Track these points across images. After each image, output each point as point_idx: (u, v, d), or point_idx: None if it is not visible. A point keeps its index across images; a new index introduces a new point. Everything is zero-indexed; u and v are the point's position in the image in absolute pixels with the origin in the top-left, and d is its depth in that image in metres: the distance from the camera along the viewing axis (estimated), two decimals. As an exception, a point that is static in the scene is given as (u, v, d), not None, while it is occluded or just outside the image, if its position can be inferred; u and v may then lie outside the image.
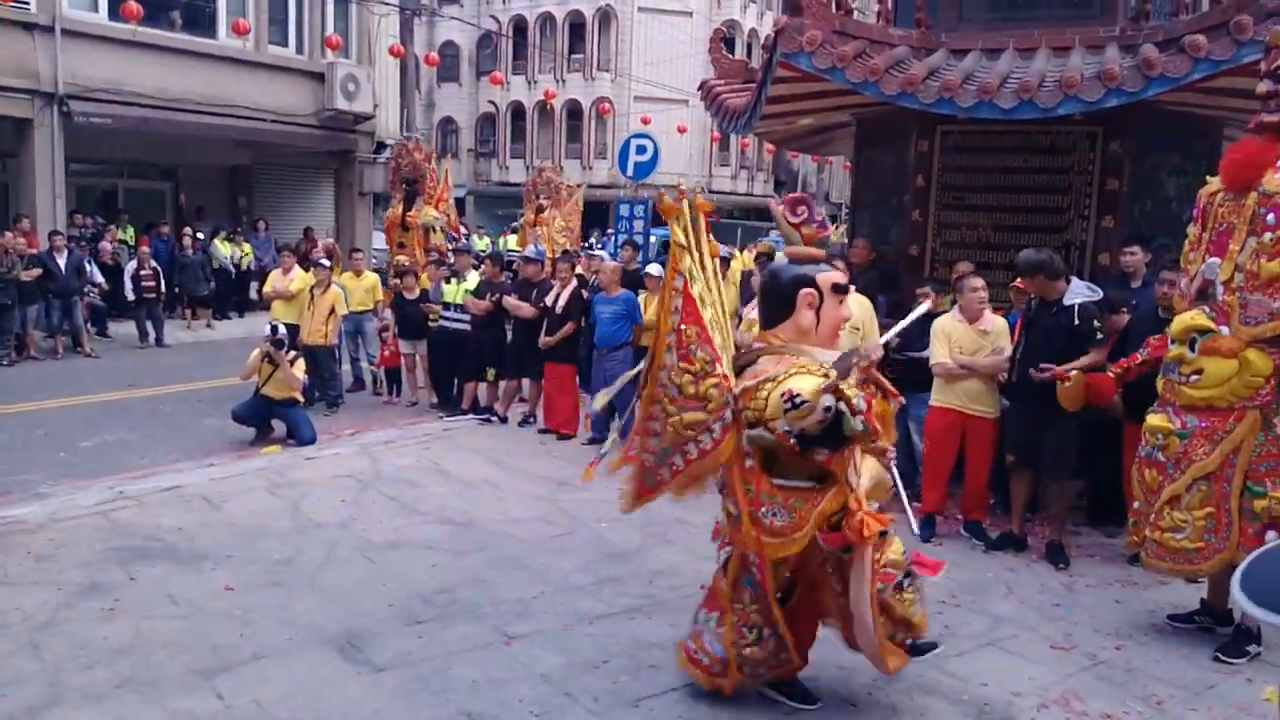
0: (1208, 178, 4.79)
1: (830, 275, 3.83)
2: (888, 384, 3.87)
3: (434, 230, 12.41)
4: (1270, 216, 4.23)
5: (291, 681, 4.15)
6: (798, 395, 3.32)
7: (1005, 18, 7.21)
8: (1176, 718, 4.08)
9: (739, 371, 3.80)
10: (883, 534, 3.61)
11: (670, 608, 5.03)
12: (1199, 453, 4.52)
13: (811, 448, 3.47)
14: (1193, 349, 4.53)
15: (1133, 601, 5.37)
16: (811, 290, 3.76)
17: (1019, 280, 6.31)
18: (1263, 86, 4.49)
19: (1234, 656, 4.58)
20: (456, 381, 10.16)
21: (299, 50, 18.64)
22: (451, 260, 10.82)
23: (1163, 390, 4.76)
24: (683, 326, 3.73)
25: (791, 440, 3.46)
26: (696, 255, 3.86)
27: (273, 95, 17.86)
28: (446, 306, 10.01)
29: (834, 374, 3.40)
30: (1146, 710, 4.12)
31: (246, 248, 17.44)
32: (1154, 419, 4.71)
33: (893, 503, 4.18)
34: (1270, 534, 4.38)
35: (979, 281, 6.25)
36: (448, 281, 10.14)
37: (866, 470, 3.68)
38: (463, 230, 20.39)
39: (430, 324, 10.18)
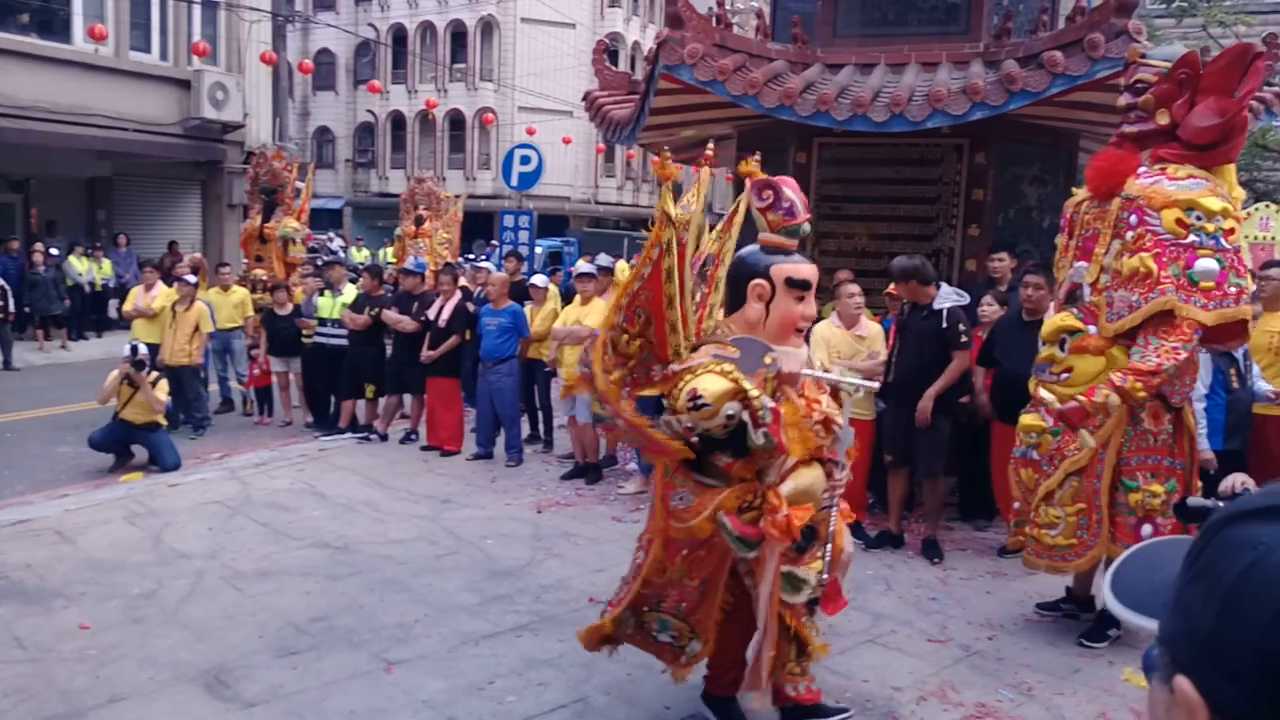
0: (1073, 190, 5.00)
1: (786, 268, 3.51)
2: (797, 397, 3.51)
3: (293, 243, 11.99)
4: (1133, 218, 4.45)
5: (152, 724, 3.91)
6: (700, 396, 3.13)
7: (876, 33, 7.42)
8: (1046, 702, 4.22)
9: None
10: (801, 549, 3.42)
11: (559, 622, 4.95)
12: (1071, 448, 4.69)
13: (714, 450, 3.31)
14: (1063, 349, 4.71)
15: (1002, 592, 5.57)
16: (762, 281, 3.49)
17: (892, 286, 6.47)
18: (1123, 100, 4.71)
19: (1096, 641, 4.81)
20: (334, 399, 9.85)
21: (163, 57, 17.86)
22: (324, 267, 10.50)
23: (1034, 390, 4.91)
24: (640, 291, 3.58)
25: (694, 438, 3.31)
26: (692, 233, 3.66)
27: (135, 103, 17.05)
28: (321, 322, 9.71)
29: (742, 379, 3.19)
30: (1018, 697, 4.26)
31: (105, 263, 16.67)
32: (1027, 418, 4.88)
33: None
34: (1146, 528, 4.57)
35: (855, 288, 6.41)
36: (322, 295, 9.84)
37: (798, 477, 3.40)
38: (328, 242, 19.82)
39: (305, 340, 9.85)
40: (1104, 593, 0.86)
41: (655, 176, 3.71)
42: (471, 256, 17.74)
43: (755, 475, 3.41)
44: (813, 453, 3.43)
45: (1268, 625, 0.65)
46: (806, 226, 3.64)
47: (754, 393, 3.16)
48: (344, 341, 9.46)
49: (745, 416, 3.15)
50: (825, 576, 3.49)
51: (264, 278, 11.50)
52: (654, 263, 3.56)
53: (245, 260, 12.57)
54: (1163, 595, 0.78)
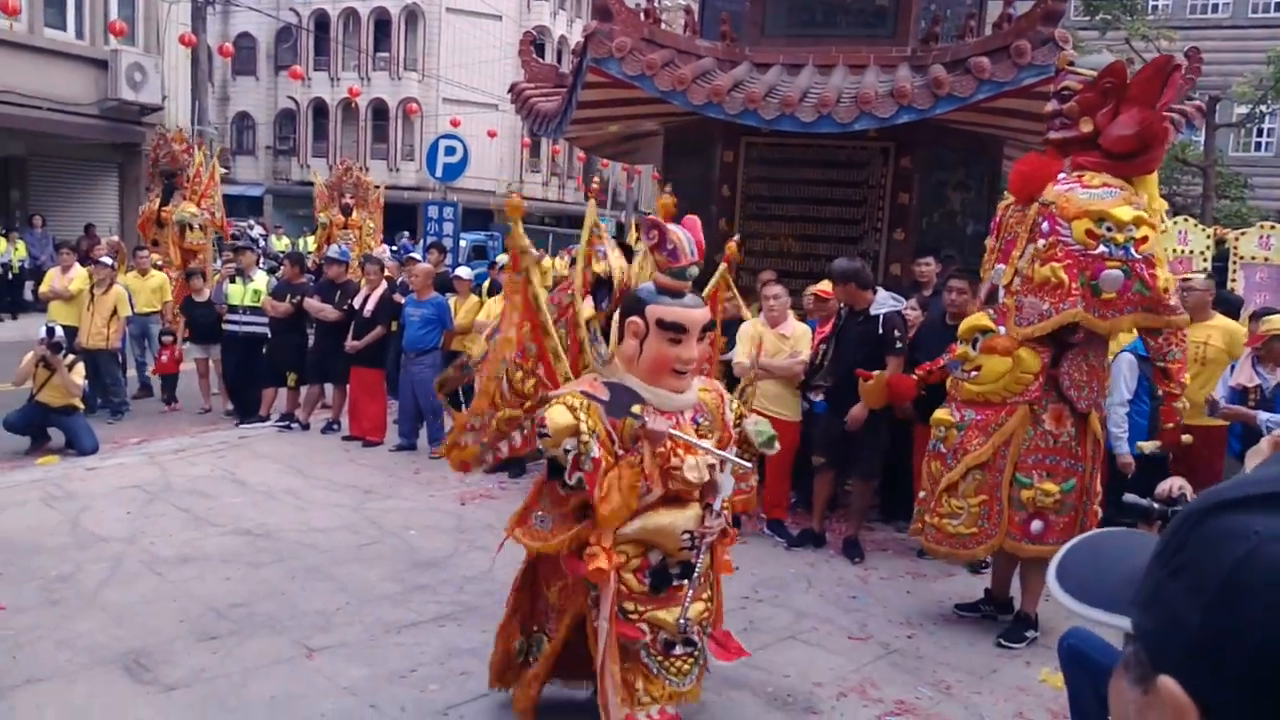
0: (1006, 192, 5.09)
1: (660, 309, 3.38)
2: (651, 469, 3.33)
3: (191, 228, 11.69)
4: (1045, 224, 4.54)
5: (71, 705, 3.83)
6: (544, 426, 3.17)
7: (804, 34, 7.42)
8: (964, 701, 4.32)
9: None
10: (656, 590, 3.41)
11: (482, 613, 4.94)
12: (973, 443, 4.80)
13: (556, 477, 3.32)
14: (975, 347, 4.82)
15: (922, 592, 5.69)
16: (636, 320, 3.41)
17: (819, 287, 6.53)
18: (1049, 105, 4.80)
19: (1014, 642, 4.91)
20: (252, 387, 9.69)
21: (79, 35, 17.30)
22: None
23: (949, 387, 5.06)
24: (521, 323, 3.63)
25: (544, 462, 3.34)
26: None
27: (49, 82, 16.50)
28: (232, 309, 9.55)
29: (584, 419, 3.20)
30: (936, 695, 4.35)
31: (20, 245, 16.17)
32: (939, 413, 5.01)
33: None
34: (1036, 524, 4.73)
35: (776, 289, 6.44)
36: (233, 281, 9.67)
37: (649, 517, 3.36)
38: (248, 230, 19.37)
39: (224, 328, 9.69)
40: (1051, 588, 0.83)
41: (583, 182, 3.83)
42: (395, 249, 17.54)
43: (583, 512, 3.40)
44: (683, 494, 3.39)
45: (1268, 620, 0.61)
46: (694, 269, 3.53)
47: (585, 437, 3.17)
48: (257, 329, 9.35)
49: (570, 459, 3.18)
50: (685, 621, 3.42)
51: (158, 262, 11.26)
52: (522, 293, 3.63)
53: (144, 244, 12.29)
54: (1127, 590, 0.74)
